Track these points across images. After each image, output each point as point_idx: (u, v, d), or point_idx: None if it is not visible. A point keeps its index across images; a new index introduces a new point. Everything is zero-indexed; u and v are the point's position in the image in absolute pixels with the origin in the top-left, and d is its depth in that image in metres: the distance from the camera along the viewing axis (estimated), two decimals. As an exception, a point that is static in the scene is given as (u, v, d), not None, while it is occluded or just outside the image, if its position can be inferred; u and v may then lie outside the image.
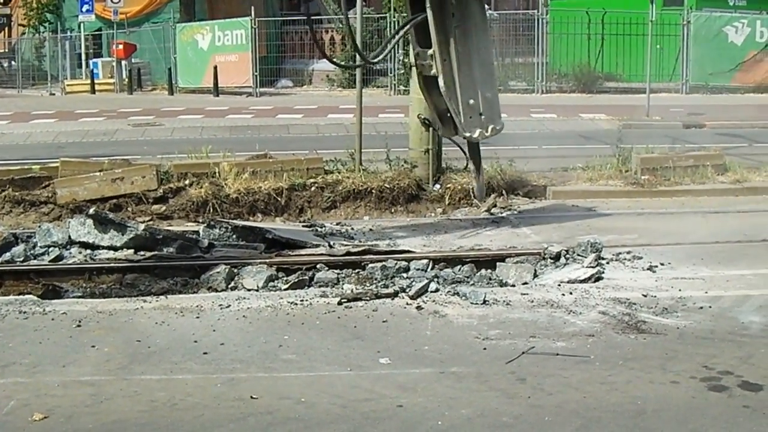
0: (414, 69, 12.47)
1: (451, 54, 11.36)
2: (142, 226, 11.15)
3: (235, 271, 10.24)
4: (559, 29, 35.83)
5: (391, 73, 35.07)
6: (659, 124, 25.31)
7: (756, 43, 35.09)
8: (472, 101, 11.54)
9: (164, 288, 9.91)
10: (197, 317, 8.79)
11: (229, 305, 9.11)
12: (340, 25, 39.19)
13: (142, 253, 10.75)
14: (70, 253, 11.05)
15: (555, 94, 34.31)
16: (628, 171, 15.51)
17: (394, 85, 34.09)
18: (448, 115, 11.84)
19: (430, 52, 11.46)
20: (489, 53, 11.88)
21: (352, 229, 12.74)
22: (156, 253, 10.76)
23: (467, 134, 11.68)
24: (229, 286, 10.00)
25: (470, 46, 11.50)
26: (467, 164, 14.38)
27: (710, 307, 9.03)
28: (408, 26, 11.81)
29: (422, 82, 11.97)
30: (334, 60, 12.40)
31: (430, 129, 14.16)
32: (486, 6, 12.18)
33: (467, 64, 11.48)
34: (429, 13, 11.23)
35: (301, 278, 10.05)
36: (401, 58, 32.99)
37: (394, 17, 34.59)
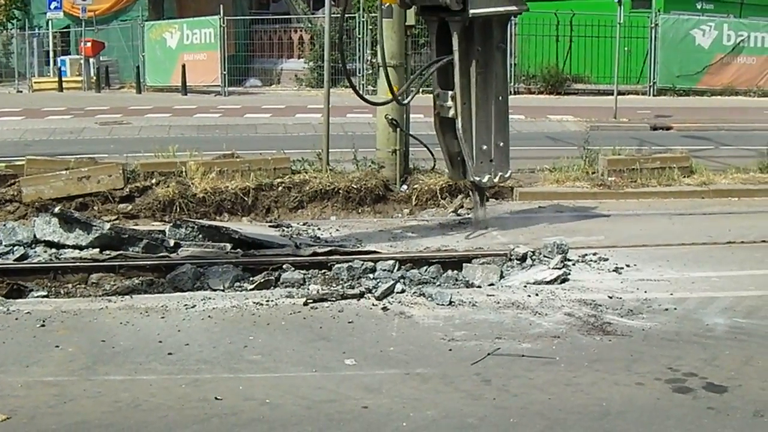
0: (382, 70, 12.57)
1: (471, 98, 11.83)
2: (107, 225, 11.08)
3: (201, 270, 10.20)
4: (527, 31, 35.86)
5: (359, 73, 34.99)
6: (627, 126, 25.42)
7: (723, 46, 35.27)
8: (485, 147, 11.98)
9: (129, 287, 9.85)
10: (162, 317, 8.74)
11: (195, 305, 9.06)
12: (309, 25, 39.18)
13: (107, 252, 10.67)
14: (35, 252, 10.96)
15: (523, 96, 34.33)
16: (595, 173, 15.56)
17: (363, 85, 34.05)
18: (459, 158, 12.23)
19: (451, 94, 11.84)
20: (506, 103, 12.22)
21: (319, 229, 12.72)
22: (122, 252, 10.68)
23: (476, 179, 12.05)
24: (195, 285, 9.95)
25: (489, 93, 11.95)
26: (434, 165, 14.45)
27: (675, 308, 9.06)
28: (433, 69, 12.09)
29: (438, 123, 12.24)
30: (366, 98, 12.52)
31: (398, 129, 14.22)
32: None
33: (485, 110, 11.90)
34: (455, 56, 11.65)
35: (267, 278, 10.02)
36: (368, 58, 32.98)
37: (363, 17, 34.55)
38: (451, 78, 11.79)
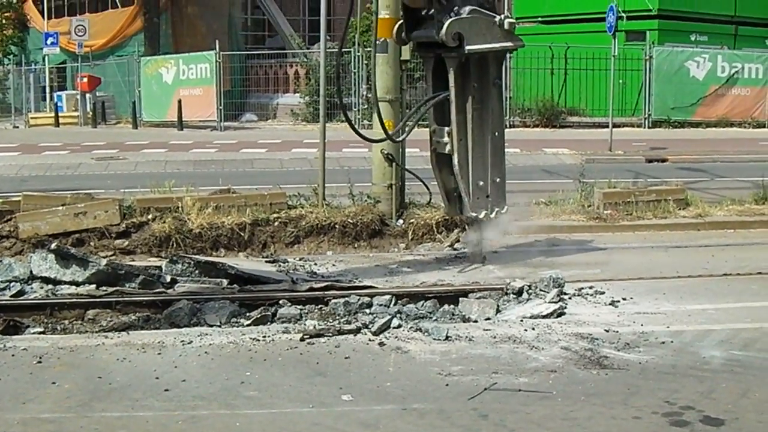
0: (374, 108, 12.59)
1: (467, 135, 11.80)
2: (104, 261, 11.08)
3: (198, 306, 10.18)
4: (522, 64, 36.05)
5: (354, 107, 35.09)
6: (622, 158, 25.50)
7: (717, 77, 35.48)
8: (481, 183, 11.95)
9: (126, 324, 9.84)
10: (159, 353, 8.73)
11: (191, 341, 9.05)
12: (305, 60, 39.31)
13: (104, 288, 10.67)
14: (32, 288, 10.95)
15: (518, 129, 34.48)
16: (591, 206, 15.58)
17: (359, 119, 34.16)
18: (456, 194, 12.24)
19: (447, 130, 11.83)
20: (502, 138, 12.19)
21: (315, 264, 12.72)
22: (118, 288, 10.68)
23: (473, 214, 12.03)
24: (192, 321, 9.93)
25: (485, 129, 11.93)
26: (430, 199, 14.46)
27: (672, 341, 9.06)
28: (429, 105, 12.13)
29: (434, 159, 12.26)
30: (362, 133, 12.51)
31: (393, 164, 14.23)
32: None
33: (481, 146, 11.89)
34: (452, 92, 11.64)
35: (263, 314, 10.01)
36: (364, 93, 33.09)
37: (358, 52, 34.69)
38: (447, 114, 11.81)
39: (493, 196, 12.06)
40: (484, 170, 11.95)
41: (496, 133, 12.01)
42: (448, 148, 11.84)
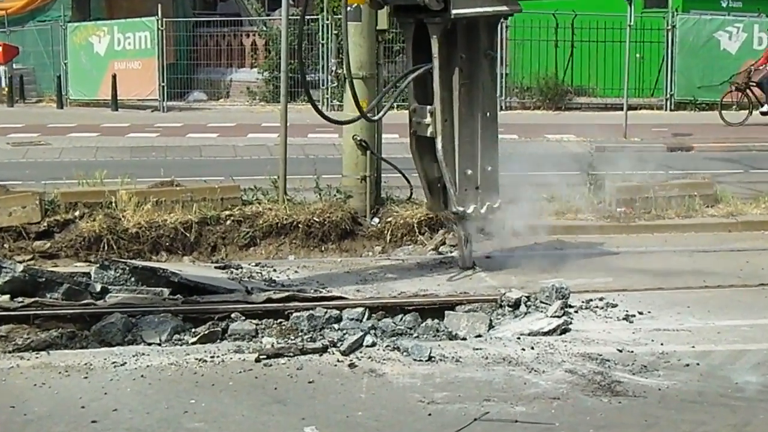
0: (348, 83, 12.52)
1: (453, 114, 11.79)
2: (20, 267, 11.01)
3: (133, 321, 10.14)
4: (521, 34, 35.99)
5: (323, 85, 35.03)
6: (639, 146, 25.52)
7: (753, 51, 35.32)
8: (469, 171, 11.94)
9: (46, 342, 9.75)
10: (85, 377, 8.69)
11: (125, 363, 9.01)
12: (264, 28, 39.26)
13: (20, 299, 10.60)
14: (-68, 299, 10.90)
15: (516, 111, 34.51)
16: (602, 202, 15.61)
17: (327, 99, 34.11)
18: (439, 185, 12.24)
19: (429, 109, 11.79)
20: (494, 120, 12.18)
21: (275, 270, 12.72)
22: (37, 299, 10.61)
23: (460, 209, 11.98)
24: (126, 339, 9.89)
25: (475, 108, 11.92)
26: (411, 194, 14.44)
27: (698, 364, 9.07)
28: (409, 79, 12.07)
29: (414, 143, 12.24)
30: (328, 116, 12.36)
31: (368, 152, 14.21)
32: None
33: (470, 128, 11.87)
34: (435, 64, 11.62)
35: (212, 330, 9.98)
36: (333, 69, 33.03)
37: (327, 20, 34.61)
38: (430, 90, 11.79)
39: (483, 187, 12.04)
40: (473, 157, 11.91)
41: (488, 113, 11.98)
42: (430, 130, 11.80)
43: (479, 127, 11.92)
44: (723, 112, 30.71)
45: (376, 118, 13.17)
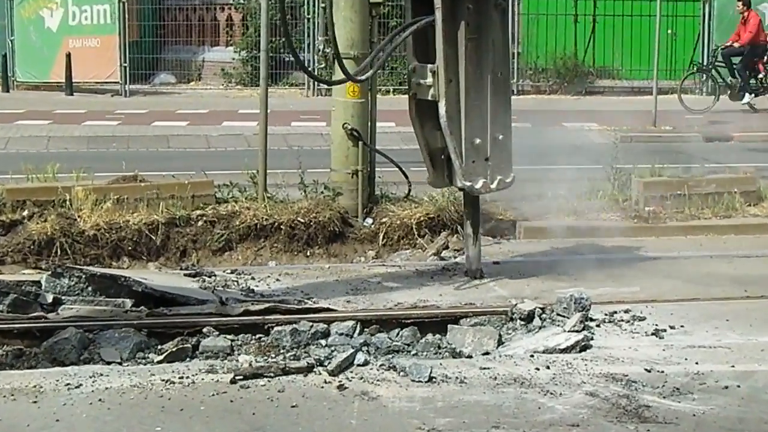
0: (336, 58, 12.48)
1: (459, 74, 11.59)
2: (-39, 275, 11.05)
3: (90, 336, 10.14)
4: (535, 8, 36.05)
5: (309, 66, 34.99)
6: (670, 136, 25.61)
7: (799, 24, 35.43)
8: (478, 140, 11.77)
9: (-10, 361, 9.81)
10: (35, 402, 8.67)
11: (80, 385, 8.99)
12: (241, 1, 39.25)
13: (-41, 312, 10.65)
14: None
15: (529, 96, 34.57)
16: (628, 200, 15.63)
17: (312, 85, 34.08)
18: (443, 156, 12.05)
19: (431, 67, 11.63)
20: (506, 81, 12.09)
21: (253, 278, 12.70)
22: (-21, 312, 10.65)
23: (467, 183, 11.81)
24: (82, 357, 9.88)
25: (484, 67, 11.76)
26: (409, 191, 14.44)
27: (739, 386, 9.07)
28: (407, 33, 11.92)
29: (414, 108, 12.08)
30: (315, 75, 12.27)
31: (360, 143, 14.19)
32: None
33: (478, 90, 11.70)
34: (437, 16, 11.46)
35: (180, 347, 9.98)
36: (320, 47, 33.02)
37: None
38: (432, 47, 11.67)
39: (494, 159, 11.90)
40: (483, 124, 11.77)
41: (499, 74, 11.83)
42: (432, 92, 11.65)
43: (489, 89, 11.75)
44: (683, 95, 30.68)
45: (364, 77, 12.94)
